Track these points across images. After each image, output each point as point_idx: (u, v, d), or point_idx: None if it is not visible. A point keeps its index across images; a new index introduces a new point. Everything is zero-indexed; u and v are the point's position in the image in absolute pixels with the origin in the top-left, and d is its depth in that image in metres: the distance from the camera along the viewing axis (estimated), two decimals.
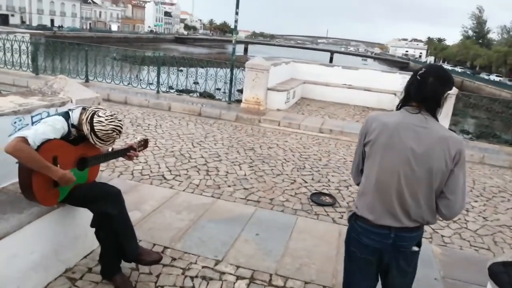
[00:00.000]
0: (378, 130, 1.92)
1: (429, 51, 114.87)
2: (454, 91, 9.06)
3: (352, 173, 2.21)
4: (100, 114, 2.56)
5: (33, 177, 2.38)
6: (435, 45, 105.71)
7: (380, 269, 2.08)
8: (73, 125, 2.56)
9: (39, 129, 2.38)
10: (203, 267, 3.18)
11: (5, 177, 2.76)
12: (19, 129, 2.76)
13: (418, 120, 1.88)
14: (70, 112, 2.58)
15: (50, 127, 2.42)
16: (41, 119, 2.90)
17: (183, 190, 4.81)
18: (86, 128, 2.53)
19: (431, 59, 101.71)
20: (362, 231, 2.01)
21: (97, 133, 2.53)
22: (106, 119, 2.54)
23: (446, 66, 72.41)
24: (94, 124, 2.52)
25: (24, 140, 2.29)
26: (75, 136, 2.58)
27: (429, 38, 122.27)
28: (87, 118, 2.54)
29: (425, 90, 1.90)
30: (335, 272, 3.32)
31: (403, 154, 1.86)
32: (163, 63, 11.33)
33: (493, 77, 56.40)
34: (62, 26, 67.97)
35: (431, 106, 1.91)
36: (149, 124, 7.74)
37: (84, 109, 2.62)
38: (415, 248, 2.00)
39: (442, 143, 1.84)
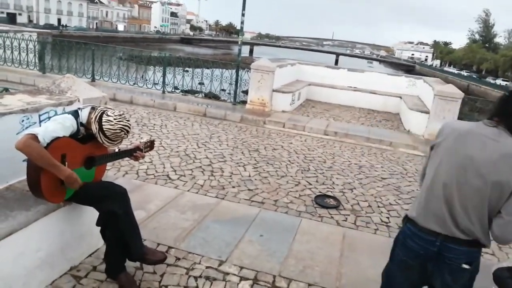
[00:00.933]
0: (446, 134, 1.93)
1: (435, 54, 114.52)
2: (459, 95, 9.03)
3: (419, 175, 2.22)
4: (109, 113, 2.59)
5: (41, 174, 2.40)
6: (441, 49, 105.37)
7: (425, 278, 2.03)
8: (82, 124, 2.59)
9: (49, 127, 2.41)
10: (207, 267, 3.19)
11: (12, 175, 2.79)
12: (27, 128, 2.78)
13: (491, 132, 1.82)
14: (79, 111, 2.61)
15: (60, 125, 2.44)
16: (49, 117, 2.93)
17: (188, 190, 4.82)
18: (94, 127, 2.56)
19: (437, 63, 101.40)
20: (409, 234, 2.00)
21: (106, 132, 2.56)
22: (114, 119, 2.57)
23: (452, 69, 72.20)
24: (103, 123, 2.55)
25: (34, 137, 2.31)
26: (84, 135, 2.61)
27: (435, 41, 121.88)
28: (96, 117, 2.57)
29: (510, 106, 1.84)
30: (339, 275, 3.33)
31: (461, 161, 1.83)
32: (169, 63, 11.37)
33: (499, 81, 56.13)
34: (66, 25, 68.22)
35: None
36: (154, 124, 7.77)
37: (93, 108, 2.65)
38: (465, 266, 1.90)
39: (510, 159, 1.75)
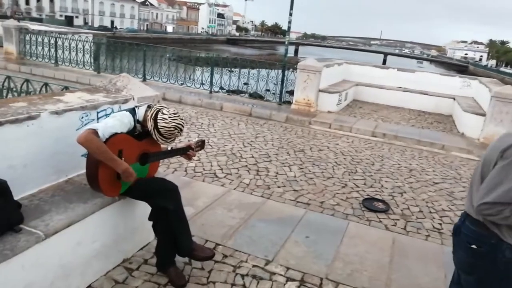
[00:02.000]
0: None
1: (490, 54, 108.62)
2: None
3: None
4: (164, 112, 2.67)
5: (99, 169, 2.51)
6: (497, 48, 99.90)
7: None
8: (138, 121, 2.69)
9: (108, 123, 2.52)
10: (253, 266, 3.20)
11: (72, 169, 2.93)
12: (86, 124, 2.91)
13: None
14: (136, 109, 2.71)
15: (119, 122, 2.55)
16: (106, 114, 3.06)
17: (234, 189, 4.86)
18: (150, 124, 2.64)
19: (492, 63, 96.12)
20: None
21: (160, 129, 2.63)
22: (169, 117, 2.64)
23: (509, 70, 68.10)
24: (158, 121, 2.63)
25: (95, 132, 2.43)
26: (140, 132, 2.71)
27: (490, 40, 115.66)
28: (151, 115, 2.65)
29: None
30: (389, 281, 3.22)
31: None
32: (216, 63, 11.54)
33: None
34: (116, 27, 71.18)
35: None
36: (202, 123, 7.91)
37: (149, 106, 2.74)
38: (473, 246, 1.89)
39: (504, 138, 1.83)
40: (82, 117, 2.95)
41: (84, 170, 2.67)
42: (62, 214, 2.46)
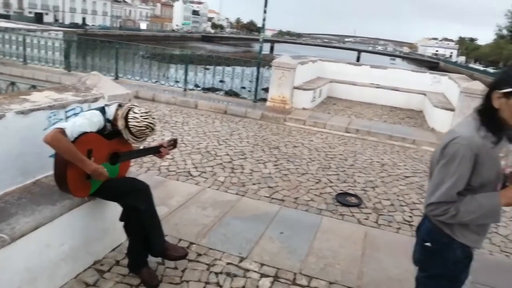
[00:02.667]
0: None
1: (460, 50, 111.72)
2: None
3: None
4: (135, 110, 2.63)
5: (67, 169, 2.46)
6: (466, 45, 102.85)
7: None
8: (108, 120, 2.65)
9: (77, 122, 2.47)
10: (227, 263, 3.20)
11: (39, 170, 2.85)
12: (54, 124, 2.84)
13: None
14: (106, 108, 2.67)
15: (87, 121, 2.50)
16: (75, 114, 2.99)
17: (209, 187, 4.85)
18: (121, 123, 2.60)
19: (462, 59, 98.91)
20: None
21: (131, 129, 2.60)
22: (141, 116, 2.61)
23: (478, 66, 70.28)
24: (129, 120, 2.59)
25: (62, 131, 2.38)
26: (110, 131, 2.67)
27: (460, 37, 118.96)
28: (122, 114, 2.61)
29: None
30: (360, 274, 3.29)
31: None
32: (191, 61, 11.45)
33: None
34: (87, 24, 69.61)
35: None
36: (176, 121, 7.84)
37: (119, 105, 2.70)
38: (426, 244, 1.90)
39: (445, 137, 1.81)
40: (50, 117, 2.88)
41: (52, 172, 2.61)
42: (29, 217, 2.40)
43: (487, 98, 1.71)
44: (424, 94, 12.40)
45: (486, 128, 1.70)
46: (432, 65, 76.10)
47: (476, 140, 1.66)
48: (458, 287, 1.93)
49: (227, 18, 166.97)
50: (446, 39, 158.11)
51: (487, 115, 1.71)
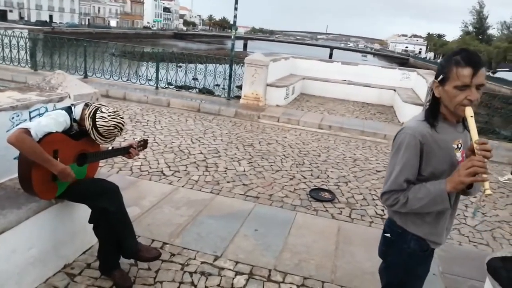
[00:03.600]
0: None
1: (428, 47, 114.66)
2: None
3: None
4: (103, 110, 2.57)
5: (32, 170, 2.38)
6: (434, 41, 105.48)
7: None
8: (75, 120, 2.57)
9: (42, 122, 2.40)
10: (202, 262, 3.18)
11: (3, 173, 2.75)
12: (17, 125, 2.74)
13: None
14: (72, 107, 2.59)
15: (53, 120, 2.43)
16: (39, 114, 2.90)
17: (182, 186, 4.80)
18: (88, 123, 2.54)
19: (430, 55, 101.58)
20: None
21: (99, 128, 2.54)
22: (108, 115, 2.55)
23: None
24: (97, 119, 2.53)
25: (27, 131, 2.30)
26: (77, 131, 2.59)
27: (428, 34, 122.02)
28: (89, 114, 2.55)
29: None
30: (334, 268, 3.33)
31: None
32: (162, 59, 11.29)
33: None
34: (54, 22, 67.57)
35: None
36: (148, 120, 7.72)
37: (86, 105, 2.63)
38: (386, 234, 1.95)
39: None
40: (13, 118, 2.78)
41: (17, 174, 2.52)
42: None
43: (432, 90, 1.78)
44: (394, 90, 12.68)
45: (424, 115, 1.77)
46: (402, 61, 77.86)
47: (420, 128, 1.72)
48: (416, 280, 1.95)
49: (199, 15, 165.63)
50: (415, 36, 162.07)
51: (431, 106, 1.78)
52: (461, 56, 1.64)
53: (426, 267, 1.96)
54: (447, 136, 1.74)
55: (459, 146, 1.76)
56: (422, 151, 1.71)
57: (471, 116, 1.62)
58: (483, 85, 1.65)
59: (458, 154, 1.76)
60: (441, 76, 1.70)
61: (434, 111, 1.76)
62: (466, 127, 1.81)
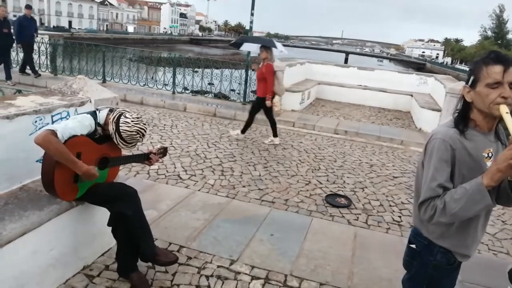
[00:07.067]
0: None
1: (446, 52, 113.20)
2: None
3: None
4: (126, 115, 2.64)
5: (55, 171, 2.44)
6: (452, 46, 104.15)
7: None
8: (99, 124, 2.64)
9: (68, 124, 2.46)
10: (218, 266, 3.20)
11: (26, 175, 2.82)
12: (40, 128, 2.82)
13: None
14: (97, 112, 2.66)
15: (79, 123, 2.50)
16: (61, 118, 2.97)
17: (199, 190, 4.83)
18: (111, 128, 2.60)
19: (448, 60, 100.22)
20: None
21: (122, 133, 2.59)
22: (132, 121, 2.61)
23: (463, 67, 71.23)
24: (120, 124, 2.59)
25: (54, 133, 2.37)
26: (100, 135, 2.66)
27: (446, 38, 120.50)
28: (113, 118, 2.61)
29: None
30: (351, 274, 3.30)
31: None
32: (179, 64, 11.41)
33: None
34: (73, 28, 68.91)
35: None
36: (165, 125, 7.80)
37: (111, 110, 2.70)
38: (411, 245, 1.91)
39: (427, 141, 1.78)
40: (36, 121, 2.85)
41: (39, 177, 2.58)
42: (16, 223, 2.37)
43: (463, 97, 1.74)
44: (411, 95, 12.54)
45: (454, 121, 1.73)
46: (419, 66, 76.92)
47: (450, 133, 1.67)
48: None
49: (215, 21, 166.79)
50: (432, 41, 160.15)
51: (461, 112, 1.73)
52: (490, 56, 1.62)
53: (452, 281, 1.91)
54: (477, 144, 1.68)
55: (490, 155, 1.70)
56: (454, 157, 1.65)
57: (507, 113, 1.55)
58: None
59: (489, 163, 1.68)
60: (471, 78, 1.66)
61: (464, 117, 1.71)
62: (499, 136, 1.76)
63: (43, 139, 2.34)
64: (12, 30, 10.14)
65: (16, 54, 11.76)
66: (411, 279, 1.94)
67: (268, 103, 7.07)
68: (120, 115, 2.63)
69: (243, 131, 7.40)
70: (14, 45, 10.91)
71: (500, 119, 1.62)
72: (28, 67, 10.99)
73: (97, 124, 2.63)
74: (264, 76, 6.97)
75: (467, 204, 1.55)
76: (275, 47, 7.34)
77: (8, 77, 10.02)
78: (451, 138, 1.66)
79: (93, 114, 2.64)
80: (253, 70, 8.58)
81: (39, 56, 11.60)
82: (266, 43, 7.44)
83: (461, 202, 1.56)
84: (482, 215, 1.78)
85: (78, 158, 2.49)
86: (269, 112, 7.31)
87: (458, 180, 1.66)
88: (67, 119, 2.81)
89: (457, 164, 1.66)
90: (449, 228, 1.75)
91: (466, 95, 1.71)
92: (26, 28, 10.40)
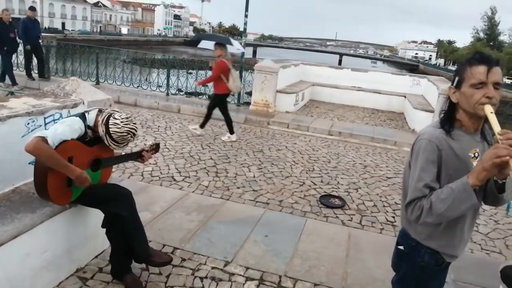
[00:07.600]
0: None
1: (439, 53, 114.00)
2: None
3: None
4: (116, 116, 2.61)
5: (48, 176, 2.42)
6: (445, 47, 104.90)
7: None
8: (89, 127, 2.62)
9: (58, 129, 2.44)
10: (212, 268, 3.19)
11: (18, 178, 2.80)
12: (32, 130, 2.80)
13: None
14: (86, 114, 2.63)
15: (68, 128, 2.47)
16: (54, 120, 2.95)
17: (193, 192, 4.83)
18: (101, 130, 2.58)
19: (440, 62, 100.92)
20: None
21: (112, 135, 2.58)
22: (121, 121, 2.59)
23: (456, 68, 71.64)
24: (110, 126, 2.57)
25: (44, 139, 2.35)
26: (91, 138, 2.64)
27: (439, 40, 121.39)
28: (103, 120, 2.59)
29: None
30: (345, 275, 3.31)
31: None
32: (173, 65, 11.40)
33: (504, 79, 55.71)
34: (66, 29, 68.60)
35: None
36: (158, 126, 7.79)
37: (100, 111, 2.67)
38: (399, 246, 1.92)
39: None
40: (28, 123, 2.83)
41: (32, 179, 2.57)
42: (8, 225, 2.35)
43: (449, 98, 1.75)
44: (405, 96, 12.61)
45: (440, 121, 1.74)
46: (412, 67, 77.43)
47: (436, 134, 1.68)
48: None
49: (209, 23, 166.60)
50: (425, 42, 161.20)
51: (447, 112, 1.75)
52: (474, 57, 1.64)
53: (440, 282, 1.92)
54: (463, 144, 1.69)
55: (476, 155, 1.71)
56: (440, 157, 1.66)
57: (491, 112, 1.57)
58: (500, 84, 1.61)
59: (475, 163, 1.68)
60: (456, 79, 1.68)
61: (449, 118, 1.72)
62: (485, 136, 1.77)
63: (33, 146, 2.32)
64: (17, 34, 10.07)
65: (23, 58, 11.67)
66: (399, 280, 1.95)
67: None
68: (109, 116, 2.61)
69: (201, 126, 7.46)
70: (20, 48, 10.80)
71: (486, 119, 1.63)
72: (32, 69, 10.89)
73: (86, 126, 2.60)
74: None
75: (453, 203, 1.56)
76: (231, 44, 7.43)
77: (14, 82, 9.94)
78: (437, 138, 1.67)
79: (82, 116, 2.61)
80: (210, 67, 8.64)
81: (48, 59, 11.49)
82: (221, 40, 7.50)
83: (447, 202, 1.56)
84: (469, 215, 1.78)
85: (70, 162, 2.48)
86: (225, 110, 7.38)
87: (444, 180, 1.66)
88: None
89: (444, 165, 1.66)
90: (436, 229, 1.76)
91: (451, 95, 1.72)
92: (31, 30, 10.31)
